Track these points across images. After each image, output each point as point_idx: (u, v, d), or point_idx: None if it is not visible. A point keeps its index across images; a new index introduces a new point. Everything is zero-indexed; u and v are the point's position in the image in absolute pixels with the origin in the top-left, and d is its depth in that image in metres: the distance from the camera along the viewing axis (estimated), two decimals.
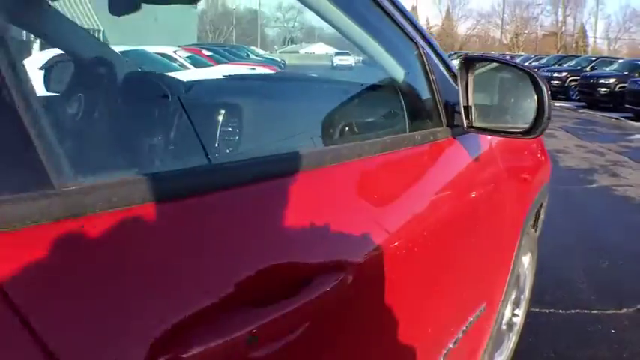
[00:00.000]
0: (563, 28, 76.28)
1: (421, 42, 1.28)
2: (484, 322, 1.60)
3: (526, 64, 21.96)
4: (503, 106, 1.34)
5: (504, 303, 1.91)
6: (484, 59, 1.32)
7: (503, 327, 2.18)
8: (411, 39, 1.26)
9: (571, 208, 5.56)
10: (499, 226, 1.66)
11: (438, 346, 1.25)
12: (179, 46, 14.24)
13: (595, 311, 3.27)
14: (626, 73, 19.11)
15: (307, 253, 0.79)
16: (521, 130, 1.26)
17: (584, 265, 3.95)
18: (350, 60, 32.34)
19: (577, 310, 3.26)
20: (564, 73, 22.25)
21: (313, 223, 0.81)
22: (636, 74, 18.38)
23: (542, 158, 2.39)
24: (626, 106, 16.39)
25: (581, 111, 17.87)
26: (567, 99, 21.12)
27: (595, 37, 76.54)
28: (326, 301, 0.78)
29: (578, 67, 23.02)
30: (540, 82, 1.22)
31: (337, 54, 39.38)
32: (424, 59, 1.28)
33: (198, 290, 0.63)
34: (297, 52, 49.65)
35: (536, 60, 29.24)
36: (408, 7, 1.27)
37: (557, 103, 19.21)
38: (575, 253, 4.22)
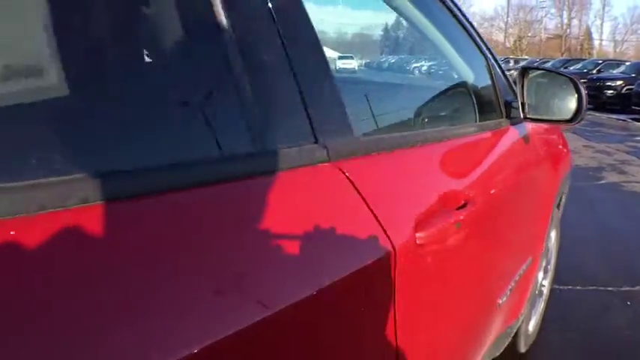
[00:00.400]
0: (568, 30, 76.07)
1: (489, 56, 1.73)
2: (530, 273, 2.04)
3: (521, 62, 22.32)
4: (548, 103, 1.79)
5: (540, 266, 2.35)
6: (536, 68, 1.78)
7: (536, 292, 2.62)
8: (483, 54, 1.71)
9: (583, 202, 5.98)
10: (539, 197, 2.10)
11: (501, 289, 1.69)
12: None
13: (610, 288, 3.70)
14: (633, 75, 19.52)
15: (426, 198, 1.21)
16: (566, 119, 1.70)
17: (598, 251, 4.39)
18: (353, 64, 32.72)
19: (594, 287, 3.70)
20: None
21: (423, 182, 1.24)
22: None
23: (565, 150, 2.83)
24: (634, 107, 16.81)
25: (588, 113, 18.14)
26: None
27: (601, 40, 76.78)
28: (421, 251, 1.04)
29: (585, 70, 23.45)
30: (579, 85, 1.67)
31: (340, 57, 39.52)
32: (491, 69, 1.73)
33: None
34: None
35: (542, 63, 29.57)
36: None
37: None
38: (589, 241, 4.65)
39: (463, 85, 1.72)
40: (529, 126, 1.99)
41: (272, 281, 0.68)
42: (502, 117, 1.76)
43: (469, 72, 1.70)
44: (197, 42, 0.77)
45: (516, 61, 32.74)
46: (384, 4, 1.49)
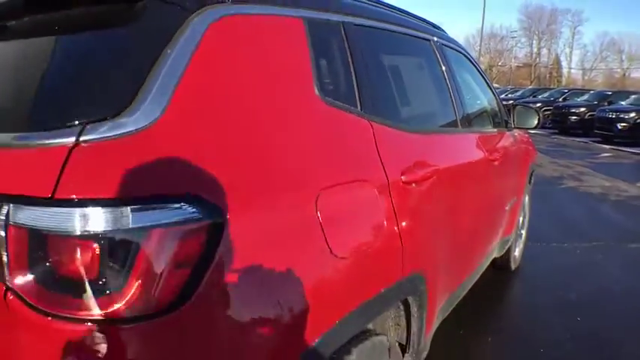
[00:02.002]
0: (538, 59, 79.23)
1: (496, 94, 3.84)
2: (515, 208, 4.14)
3: (501, 97, 24.71)
4: (524, 120, 3.91)
5: (521, 208, 4.47)
6: (520, 104, 3.94)
7: (519, 228, 4.71)
8: (494, 93, 3.81)
9: (547, 198, 8.23)
10: (521, 167, 4.24)
11: (506, 202, 3.76)
12: None
13: (565, 244, 5.85)
14: (595, 102, 22.10)
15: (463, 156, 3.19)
16: (532, 127, 3.85)
17: (558, 226, 6.59)
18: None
19: (554, 245, 5.84)
20: (538, 104, 25.09)
21: (466, 149, 3.25)
22: (605, 103, 21.40)
23: (532, 147, 4.94)
24: (595, 131, 19.39)
25: (553, 137, 20.90)
26: (541, 127, 23.77)
27: (570, 68, 79.77)
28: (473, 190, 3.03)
29: (552, 99, 26.31)
30: (539, 111, 3.84)
31: None
32: (497, 102, 3.83)
33: None
34: None
35: (512, 92, 32.14)
36: None
37: (532, 131, 22.15)
38: (550, 221, 6.85)
39: (486, 109, 3.78)
40: (515, 132, 4.09)
41: None
42: (503, 126, 3.84)
43: (487, 103, 3.77)
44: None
45: None
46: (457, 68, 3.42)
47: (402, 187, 1.85)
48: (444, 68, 2.85)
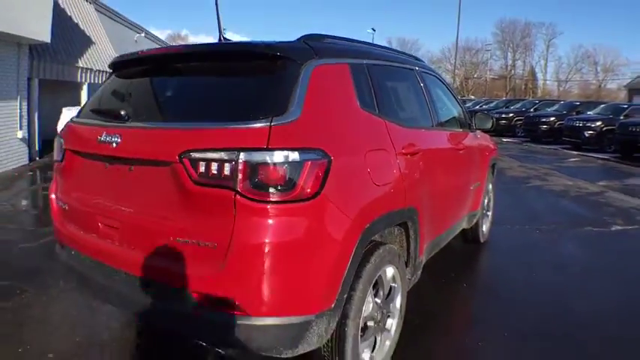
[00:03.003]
0: (513, 71, 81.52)
1: (461, 105, 5.28)
2: (480, 189, 5.57)
3: (477, 107, 26.49)
4: (482, 123, 5.37)
5: (486, 194, 5.92)
6: (480, 112, 5.40)
7: (485, 208, 6.16)
8: (459, 103, 5.25)
9: (514, 193, 9.75)
10: (483, 158, 5.68)
11: (471, 183, 5.19)
12: None
13: (527, 227, 7.31)
14: (564, 112, 23.95)
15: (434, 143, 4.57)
16: (489, 129, 5.32)
17: (523, 214, 8.07)
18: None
19: (518, 227, 7.30)
20: (511, 114, 27.12)
21: (436, 139, 4.62)
22: (574, 113, 23.22)
23: (493, 145, 6.39)
24: (564, 139, 21.16)
25: (525, 144, 22.70)
26: (513, 136, 25.99)
27: (545, 79, 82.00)
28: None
29: (524, 109, 28.14)
30: (493, 117, 5.29)
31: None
32: (463, 110, 5.26)
33: None
34: None
35: (486, 104, 33.98)
36: None
37: (505, 139, 24.13)
38: (516, 210, 8.33)
39: (453, 115, 5.19)
40: (478, 133, 5.54)
41: None
42: (467, 128, 5.27)
43: (454, 111, 5.19)
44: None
45: (463, 102, 37.18)
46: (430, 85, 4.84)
47: (402, 155, 3.22)
48: (423, 87, 4.28)
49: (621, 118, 19.39)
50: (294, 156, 2.35)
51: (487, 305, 4.59)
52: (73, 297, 4.17)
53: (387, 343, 3.20)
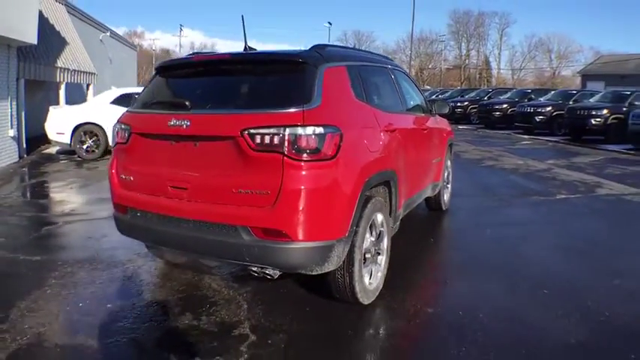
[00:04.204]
0: (467, 61, 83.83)
1: (422, 94, 6.47)
2: (440, 164, 6.77)
3: (433, 97, 28.04)
4: (440, 108, 6.58)
5: (445, 168, 7.16)
6: (438, 99, 6.65)
7: (446, 181, 7.40)
8: (422, 94, 6.44)
9: (470, 172, 11.10)
10: (442, 138, 6.88)
11: (433, 157, 6.39)
12: None
13: (481, 198, 8.60)
14: (517, 99, 25.61)
15: (403, 123, 5.83)
16: (446, 113, 6.55)
17: (478, 188, 9.38)
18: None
19: (474, 198, 8.57)
20: (466, 103, 28.75)
21: (406, 120, 5.84)
22: (525, 100, 24.87)
23: (449, 128, 7.62)
24: (516, 124, 22.78)
25: (479, 130, 24.36)
26: (469, 123, 27.65)
27: (499, 68, 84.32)
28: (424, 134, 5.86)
29: (478, 98, 29.75)
30: (449, 104, 6.56)
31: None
32: (425, 99, 6.45)
33: None
34: None
35: (442, 93, 35.50)
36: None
37: (461, 127, 25.71)
38: (471, 185, 9.63)
39: (417, 102, 6.36)
40: (438, 117, 6.73)
41: None
42: (428, 112, 6.45)
43: (418, 99, 6.34)
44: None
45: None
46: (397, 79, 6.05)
47: (384, 132, 4.34)
48: (395, 81, 5.47)
49: (570, 103, 21.05)
50: (320, 130, 3.46)
51: (450, 253, 5.84)
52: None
53: (379, 274, 4.32)
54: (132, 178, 4.18)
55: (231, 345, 3.47)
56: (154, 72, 4.70)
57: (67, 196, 8.59)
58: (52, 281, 4.59)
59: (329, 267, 3.66)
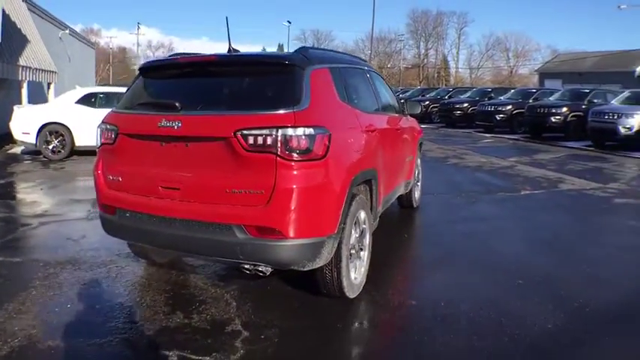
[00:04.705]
0: (425, 60, 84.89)
1: (396, 95, 6.63)
2: (412, 162, 6.95)
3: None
4: (412, 109, 6.76)
5: (416, 167, 7.34)
6: (410, 100, 6.80)
7: (417, 179, 7.58)
8: (396, 95, 6.60)
9: (436, 171, 11.34)
10: (413, 138, 7.05)
11: (405, 156, 6.55)
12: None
13: (449, 195, 8.81)
14: (477, 98, 26.18)
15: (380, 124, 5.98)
16: (417, 114, 6.73)
17: (445, 186, 9.61)
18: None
19: (442, 195, 8.78)
20: (427, 102, 28.94)
21: (381, 119, 6.00)
22: (486, 99, 25.36)
23: (420, 128, 7.82)
24: (477, 123, 23.25)
25: (441, 129, 24.83)
26: (430, 122, 28.05)
27: (457, 67, 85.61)
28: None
29: (438, 97, 30.23)
30: (421, 104, 6.72)
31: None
32: (398, 100, 6.61)
33: None
34: None
35: (403, 92, 35.70)
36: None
37: (423, 125, 25.71)
38: (439, 183, 9.86)
39: (391, 103, 6.51)
40: (409, 117, 6.90)
41: None
42: (401, 113, 6.61)
43: (391, 99, 6.49)
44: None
45: None
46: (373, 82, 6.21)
47: (365, 132, 4.47)
48: (371, 82, 5.61)
49: (530, 101, 21.63)
50: (311, 131, 3.56)
51: (425, 249, 6.03)
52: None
53: (362, 269, 4.44)
54: (120, 179, 4.19)
55: (226, 341, 3.54)
56: (137, 72, 4.70)
57: (37, 197, 8.45)
58: (36, 282, 4.54)
59: (319, 263, 3.77)
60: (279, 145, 3.51)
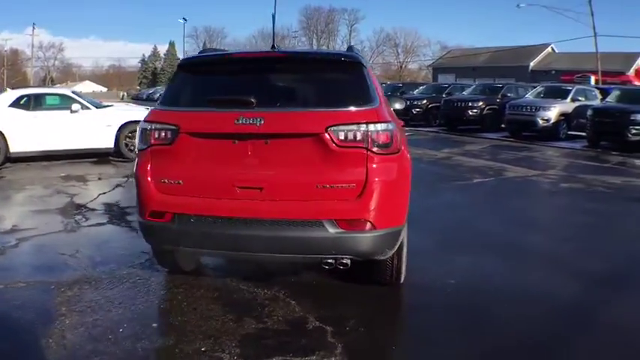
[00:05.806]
0: None
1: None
2: None
3: None
4: (394, 105, 6.97)
5: None
6: (393, 96, 6.97)
7: None
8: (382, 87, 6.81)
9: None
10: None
11: None
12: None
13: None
14: (389, 93, 26.09)
15: None
16: (400, 108, 6.98)
17: (435, 174, 9.88)
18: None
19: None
20: None
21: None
22: (398, 94, 25.44)
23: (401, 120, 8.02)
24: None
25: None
26: None
27: None
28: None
29: (389, 93, 30.26)
30: (405, 100, 6.90)
31: None
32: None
33: None
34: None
35: None
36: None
37: None
38: (427, 173, 10.09)
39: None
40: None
41: None
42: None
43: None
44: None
45: None
46: None
47: (402, 126, 4.65)
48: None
49: (444, 95, 22.76)
50: (390, 126, 3.81)
51: (422, 234, 6.30)
52: None
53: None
54: (181, 182, 3.94)
55: (318, 338, 3.57)
56: (177, 68, 4.53)
57: None
58: (62, 309, 4.01)
59: (393, 250, 4.04)
60: (369, 139, 3.70)
